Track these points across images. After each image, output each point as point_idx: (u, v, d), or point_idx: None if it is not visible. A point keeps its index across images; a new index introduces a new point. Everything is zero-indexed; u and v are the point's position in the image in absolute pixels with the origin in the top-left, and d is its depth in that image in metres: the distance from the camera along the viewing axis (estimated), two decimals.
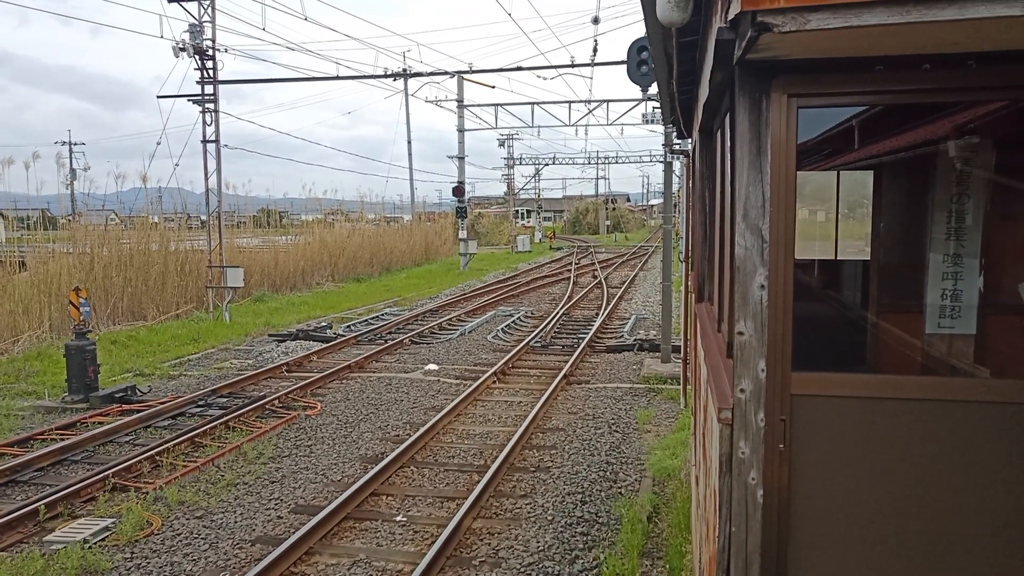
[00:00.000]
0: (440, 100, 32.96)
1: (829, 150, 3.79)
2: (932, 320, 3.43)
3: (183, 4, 18.22)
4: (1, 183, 20.72)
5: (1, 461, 8.21)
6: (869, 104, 2.75)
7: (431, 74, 29.57)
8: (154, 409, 9.98)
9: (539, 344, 14.74)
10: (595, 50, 22.79)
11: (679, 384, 10.53)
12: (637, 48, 11.33)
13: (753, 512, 2.57)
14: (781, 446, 2.56)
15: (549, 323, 16.97)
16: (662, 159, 14.04)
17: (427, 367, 13.00)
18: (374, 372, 12.73)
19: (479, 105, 33.71)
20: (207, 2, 18.27)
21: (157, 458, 8.11)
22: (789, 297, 2.53)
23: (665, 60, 4.35)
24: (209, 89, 18.81)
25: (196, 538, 6.37)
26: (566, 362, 12.70)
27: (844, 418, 2.57)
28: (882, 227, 3.98)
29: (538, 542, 6.15)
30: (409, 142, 41.57)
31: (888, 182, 3.99)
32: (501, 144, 52.85)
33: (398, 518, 6.72)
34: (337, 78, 26.99)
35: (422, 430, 8.80)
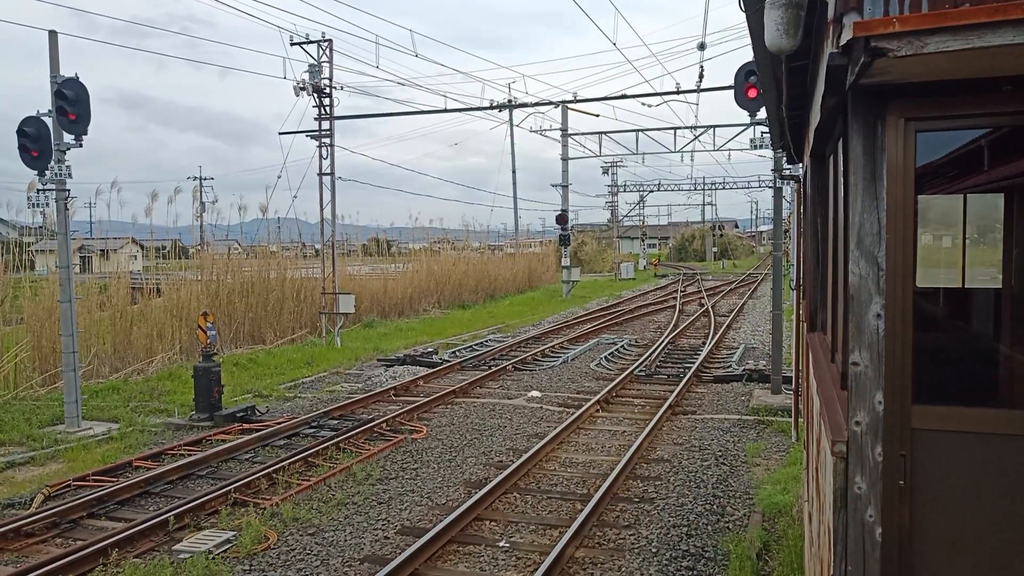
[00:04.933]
0: (544, 129, 33.37)
1: (955, 172, 3.61)
2: None
3: (304, 47, 19.36)
4: (146, 216, 22.55)
5: (137, 473, 8.84)
6: (996, 126, 2.62)
7: (535, 104, 30.08)
8: (271, 429, 10.49)
9: (643, 373, 14.54)
10: (701, 76, 22.55)
11: (790, 416, 10.12)
12: (744, 73, 11.15)
13: (871, 551, 2.46)
14: (901, 482, 2.44)
15: (654, 352, 16.72)
16: (771, 185, 13.66)
17: (530, 394, 13.06)
18: (478, 398, 12.91)
19: (583, 133, 33.96)
20: (325, 44, 19.35)
21: (274, 476, 8.50)
22: (908, 326, 2.43)
23: (774, 85, 4.29)
24: (326, 125, 19.84)
25: (309, 554, 6.62)
26: (671, 392, 12.46)
27: (973, 455, 2.43)
28: (1016, 253, 3.74)
29: (642, 574, 6.04)
30: (514, 171, 42.24)
31: (1022, 205, 3.76)
32: (605, 171, 52.84)
33: (501, 543, 6.75)
34: (445, 111, 27.88)
35: (525, 456, 8.84)
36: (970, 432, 2.44)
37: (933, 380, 2.62)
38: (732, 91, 11.59)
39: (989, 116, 2.35)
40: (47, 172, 11.12)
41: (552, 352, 17.59)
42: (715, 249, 74.50)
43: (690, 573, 6.07)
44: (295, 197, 22.15)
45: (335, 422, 11.11)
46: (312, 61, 19.33)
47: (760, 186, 53.06)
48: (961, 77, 2.10)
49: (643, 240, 68.52)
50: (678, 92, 25.77)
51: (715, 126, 30.64)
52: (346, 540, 6.92)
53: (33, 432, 10.79)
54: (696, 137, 31.19)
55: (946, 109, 2.31)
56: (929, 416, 2.45)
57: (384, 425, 10.74)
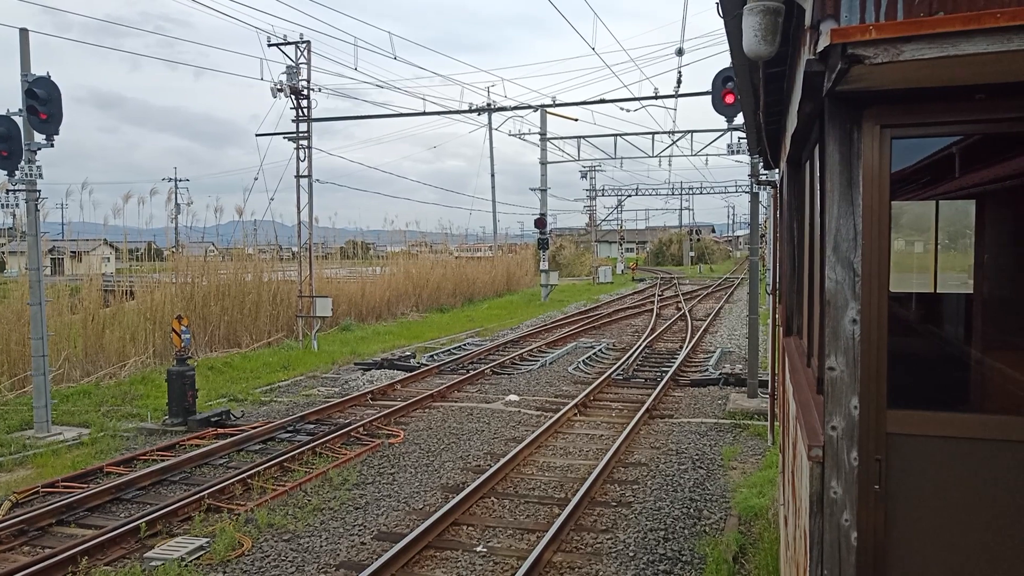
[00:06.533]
0: (523, 133, 33.27)
1: (927, 178, 3.65)
2: None
3: (282, 48, 19.22)
4: (118, 218, 22.25)
5: (108, 479, 8.69)
6: (969, 133, 2.65)
7: (515, 108, 30.04)
8: (246, 434, 10.36)
9: (621, 377, 14.58)
10: (679, 81, 22.64)
11: (766, 420, 10.20)
12: (722, 79, 11.23)
13: (847, 555, 2.47)
14: (876, 487, 2.46)
15: (631, 355, 16.78)
16: (748, 190, 13.79)
17: (508, 398, 13.04)
18: (456, 402, 12.86)
19: (562, 138, 33.96)
20: (303, 45, 19.22)
21: (249, 481, 8.40)
22: (884, 332, 2.44)
23: (751, 91, 4.31)
24: (303, 127, 19.70)
25: (284, 561, 6.54)
26: (649, 395, 12.51)
27: (947, 460, 2.45)
28: (986, 259, 3.79)
29: None
30: (492, 175, 42.18)
31: (993, 212, 3.81)
32: (583, 176, 52.81)
33: (478, 548, 6.72)
34: (424, 113, 27.80)
35: (503, 461, 8.82)
36: (944, 437, 2.46)
37: (908, 385, 2.64)
38: (710, 96, 11.67)
39: (963, 124, 2.38)
40: (17, 172, 10.92)
41: (530, 356, 17.58)
42: (692, 253, 74.97)
43: None
44: (272, 199, 22.15)
45: (311, 426, 11.01)
46: (290, 62, 19.19)
47: (737, 191, 53.46)
48: (936, 85, 2.12)
49: (621, 244, 68.73)
50: (656, 97, 25.88)
51: (693, 131, 30.82)
52: (322, 546, 6.85)
53: (1, 437, 10.57)
54: (674, 142, 31.36)
55: (921, 116, 2.33)
56: (904, 421, 2.46)
57: (361, 429, 10.66)
